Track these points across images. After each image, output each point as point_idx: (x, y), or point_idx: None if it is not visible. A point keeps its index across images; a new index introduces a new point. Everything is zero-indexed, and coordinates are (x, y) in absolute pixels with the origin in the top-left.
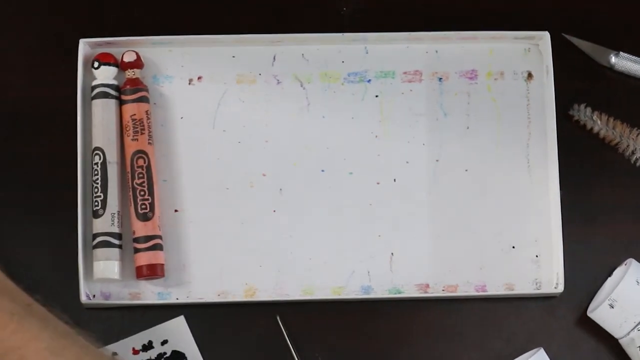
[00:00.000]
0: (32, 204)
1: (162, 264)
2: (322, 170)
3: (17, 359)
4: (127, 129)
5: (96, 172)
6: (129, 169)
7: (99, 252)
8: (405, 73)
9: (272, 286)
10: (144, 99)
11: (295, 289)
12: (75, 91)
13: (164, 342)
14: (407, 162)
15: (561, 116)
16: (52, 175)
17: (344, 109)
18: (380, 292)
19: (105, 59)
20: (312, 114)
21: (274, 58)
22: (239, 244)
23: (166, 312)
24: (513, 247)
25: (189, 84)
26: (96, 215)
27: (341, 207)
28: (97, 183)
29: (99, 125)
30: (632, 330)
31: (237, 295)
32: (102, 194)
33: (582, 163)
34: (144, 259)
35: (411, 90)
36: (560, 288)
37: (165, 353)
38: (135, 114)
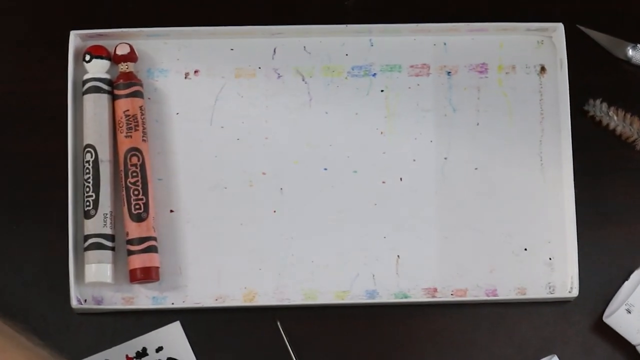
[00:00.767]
0: (20, 204)
1: (157, 267)
2: (325, 169)
3: None
4: (120, 126)
5: (88, 171)
6: (122, 167)
7: (91, 254)
8: (412, 66)
9: (272, 290)
10: (137, 94)
11: (297, 293)
12: (66, 86)
13: (159, 349)
14: (414, 160)
15: (576, 112)
16: (41, 174)
17: (348, 105)
18: (385, 296)
19: (97, 52)
20: (314, 110)
21: (275, 51)
22: (237, 246)
23: (161, 317)
24: (525, 249)
25: (185, 78)
26: (88, 215)
27: (345, 208)
28: (89, 182)
29: (91, 121)
30: None
31: (236, 299)
32: (93, 194)
33: (597, 161)
34: (138, 261)
35: (418, 85)
36: (575, 292)
37: None
38: (128, 110)
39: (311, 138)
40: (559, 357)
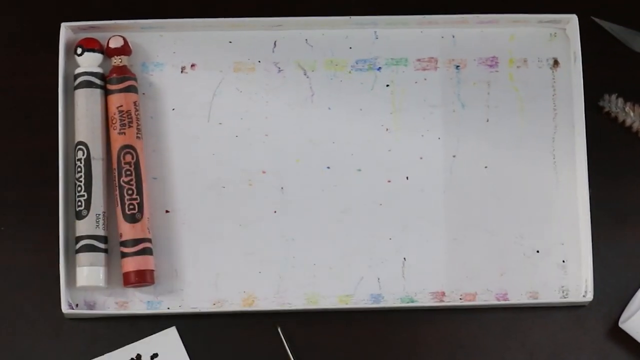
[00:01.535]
0: (9, 204)
1: (152, 270)
2: (328, 167)
3: None
4: (114, 122)
5: (79, 169)
6: (115, 166)
7: (83, 257)
8: (418, 60)
9: (272, 294)
10: (131, 89)
11: (298, 297)
12: (57, 80)
13: (154, 356)
14: (421, 158)
15: (590, 107)
16: (30, 173)
17: (352, 100)
18: (391, 300)
19: (89, 45)
20: (317, 105)
21: (275, 44)
22: (236, 248)
23: (156, 322)
24: (537, 252)
25: (182, 72)
26: (79, 216)
27: (348, 208)
28: (81, 181)
29: (83, 117)
30: None
31: (234, 304)
32: (85, 193)
33: (612, 159)
34: (132, 264)
35: (425, 79)
36: (590, 296)
37: None
38: (122, 105)
39: (313, 135)
40: None
